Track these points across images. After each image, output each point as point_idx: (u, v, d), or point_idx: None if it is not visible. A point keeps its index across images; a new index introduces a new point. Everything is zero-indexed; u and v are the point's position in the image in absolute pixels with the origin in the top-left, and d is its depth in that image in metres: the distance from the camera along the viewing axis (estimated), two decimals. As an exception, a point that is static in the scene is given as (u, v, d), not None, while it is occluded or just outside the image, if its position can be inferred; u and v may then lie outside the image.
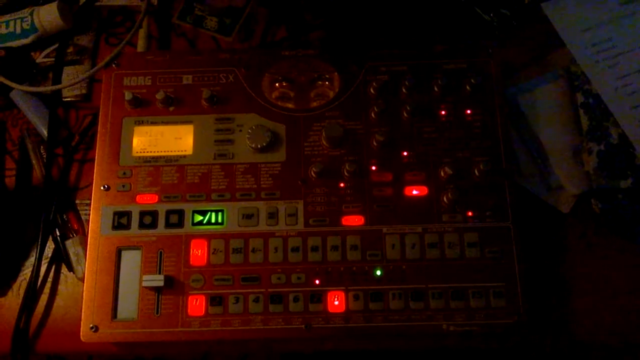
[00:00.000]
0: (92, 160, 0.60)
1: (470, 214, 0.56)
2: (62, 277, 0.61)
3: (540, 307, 0.58)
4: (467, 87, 0.60)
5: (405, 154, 0.58)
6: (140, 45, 0.70)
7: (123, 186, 0.58)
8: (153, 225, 0.57)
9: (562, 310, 0.58)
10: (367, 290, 0.54)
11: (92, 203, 0.57)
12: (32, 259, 0.61)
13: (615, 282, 0.59)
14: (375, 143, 0.58)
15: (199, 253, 0.56)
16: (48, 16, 0.69)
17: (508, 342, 0.57)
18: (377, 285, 0.54)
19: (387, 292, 0.54)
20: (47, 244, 0.61)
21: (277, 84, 0.62)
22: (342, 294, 0.54)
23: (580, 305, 0.58)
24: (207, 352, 0.61)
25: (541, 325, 0.57)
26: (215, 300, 0.54)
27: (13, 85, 0.65)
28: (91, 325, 0.54)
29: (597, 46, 0.66)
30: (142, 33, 0.70)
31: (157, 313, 0.54)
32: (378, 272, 0.55)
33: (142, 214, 0.57)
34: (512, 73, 0.67)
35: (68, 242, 0.61)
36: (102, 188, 0.58)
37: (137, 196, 0.57)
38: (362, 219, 0.57)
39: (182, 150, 0.59)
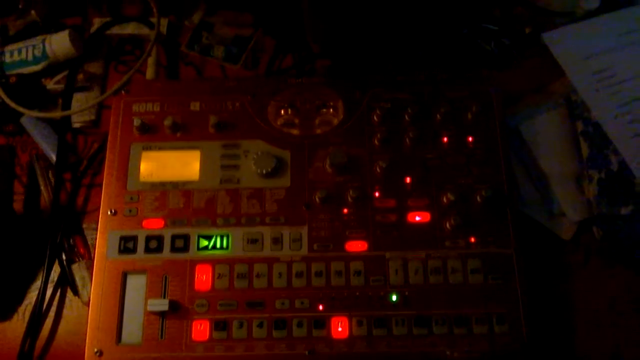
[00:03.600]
0: (100, 185, 0.61)
1: (472, 240, 0.57)
2: (67, 301, 0.62)
3: (543, 333, 0.58)
4: (469, 115, 0.61)
5: (408, 180, 0.59)
6: (149, 73, 0.71)
7: (130, 211, 0.59)
8: (159, 249, 0.57)
9: (565, 337, 0.58)
10: (370, 316, 0.54)
11: (99, 227, 0.58)
12: (38, 283, 0.61)
13: (617, 308, 0.59)
14: (378, 169, 0.59)
15: (203, 278, 0.56)
16: (59, 44, 0.71)
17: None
18: (381, 311, 0.55)
19: (390, 318, 0.54)
20: (53, 268, 0.62)
21: (282, 111, 0.63)
22: (346, 320, 0.54)
23: (583, 332, 0.58)
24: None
25: (544, 352, 0.57)
26: (219, 325, 0.54)
27: (23, 110, 0.66)
28: (96, 350, 0.54)
29: (596, 75, 0.67)
30: (151, 61, 0.71)
31: (162, 337, 0.54)
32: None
33: (148, 238, 0.57)
34: (513, 101, 0.68)
35: (74, 266, 0.62)
36: (109, 212, 0.58)
37: (144, 221, 0.58)
38: (366, 245, 0.57)
39: (188, 176, 0.60)
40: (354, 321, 0.54)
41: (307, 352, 0.53)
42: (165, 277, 0.56)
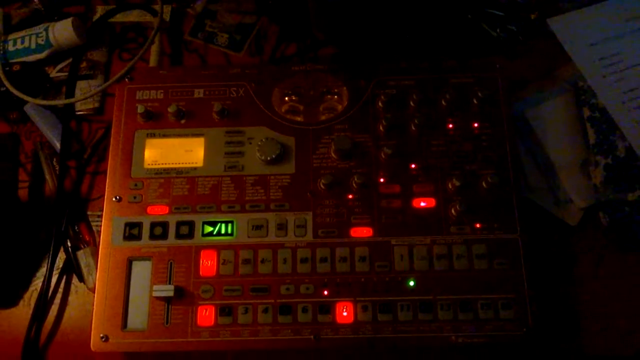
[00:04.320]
0: (104, 172, 0.61)
1: (478, 225, 0.57)
2: (72, 287, 0.62)
3: (549, 319, 0.58)
4: (475, 101, 0.61)
5: (413, 166, 0.59)
6: (153, 60, 0.71)
7: (134, 197, 0.58)
8: (164, 236, 0.57)
9: (571, 323, 0.58)
10: (375, 302, 0.54)
11: (103, 214, 0.58)
12: (43, 270, 0.62)
13: (623, 294, 0.59)
14: (383, 156, 0.59)
15: (208, 264, 0.56)
16: (62, 32, 0.71)
17: (516, 353, 0.57)
18: (386, 296, 0.54)
19: (396, 304, 0.54)
20: (59, 255, 0.62)
21: (286, 98, 0.63)
22: (351, 305, 0.54)
23: (589, 318, 0.58)
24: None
25: (549, 338, 0.57)
26: (224, 311, 0.54)
27: (27, 98, 0.66)
28: (101, 335, 0.54)
29: (603, 61, 0.67)
30: (154, 49, 0.71)
31: (167, 323, 0.54)
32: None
33: (153, 225, 0.57)
34: (519, 87, 0.67)
35: (79, 253, 0.62)
36: (113, 199, 0.58)
37: (148, 207, 0.58)
38: (371, 231, 0.57)
39: (192, 163, 0.60)
40: (359, 306, 0.54)
41: (312, 337, 0.53)
42: (171, 263, 0.56)
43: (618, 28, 0.70)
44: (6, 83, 0.67)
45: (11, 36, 0.73)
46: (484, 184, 0.58)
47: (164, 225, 0.57)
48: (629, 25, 0.70)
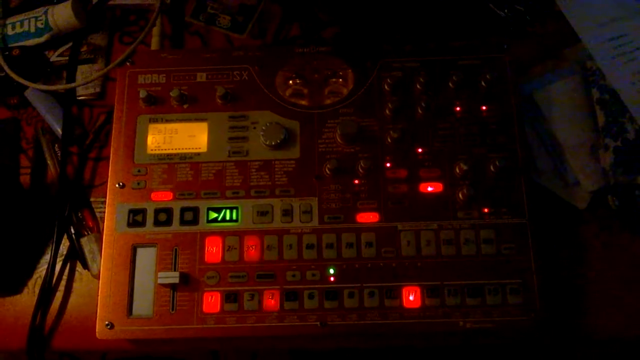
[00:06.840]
0: (107, 158, 0.60)
1: (485, 210, 0.56)
2: (77, 274, 0.62)
3: (557, 304, 0.57)
4: (482, 83, 0.60)
5: (420, 150, 0.58)
6: (154, 43, 0.70)
7: (138, 183, 0.58)
8: (168, 222, 0.57)
9: (579, 307, 0.58)
10: (382, 287, 0.54)
11: (107, 200, 0.57)
12: (47, 257, 0.61)
13: (632, 279, 0.58)
14: (389, 140, 0.58)
15: (213, 250, 0.56)
16: (62, 15, 0.69)
17: (524, 339, 0.57)
18: (392, 282, 0.54)
19: (402, 289, 0.54)
20: (62, 242, 0.62)
21: (290, 81, 0.62)
22: (357, 292, 0.54)
23: (597, 302, 0.58)
24: (219, 349, 0.62)
25: (558, 323, 0.57)
26: (230, 297, 0.54)
27: (28, 83, 0.65)
28: (106, 323, 0.54)
29: (613, 42, 0.66)
30: (155, 31, 0.70)
31: (173, 310, 0.54)
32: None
33: (157, 211, 0.57)
34: (527, 69, 0.66)
35: (83, 240, 0.61)
36: (117, 185, 0.58)
37: (152, 193, 0.58)
38: (377, 216, 0.56)
39: (196, 148, 0.59)
40: (365, 292, 0.54)
41: (318, 324, 0.53)
42: (175, 250, 0.56)
43: (628, 8, 0.68)
44: (6, 68, 0.66)
45: (10, 20, 0.72)
46: (492, 168, 0.57)
47: (168, 211, 0.57)
48: (639, 5, 0.68)
